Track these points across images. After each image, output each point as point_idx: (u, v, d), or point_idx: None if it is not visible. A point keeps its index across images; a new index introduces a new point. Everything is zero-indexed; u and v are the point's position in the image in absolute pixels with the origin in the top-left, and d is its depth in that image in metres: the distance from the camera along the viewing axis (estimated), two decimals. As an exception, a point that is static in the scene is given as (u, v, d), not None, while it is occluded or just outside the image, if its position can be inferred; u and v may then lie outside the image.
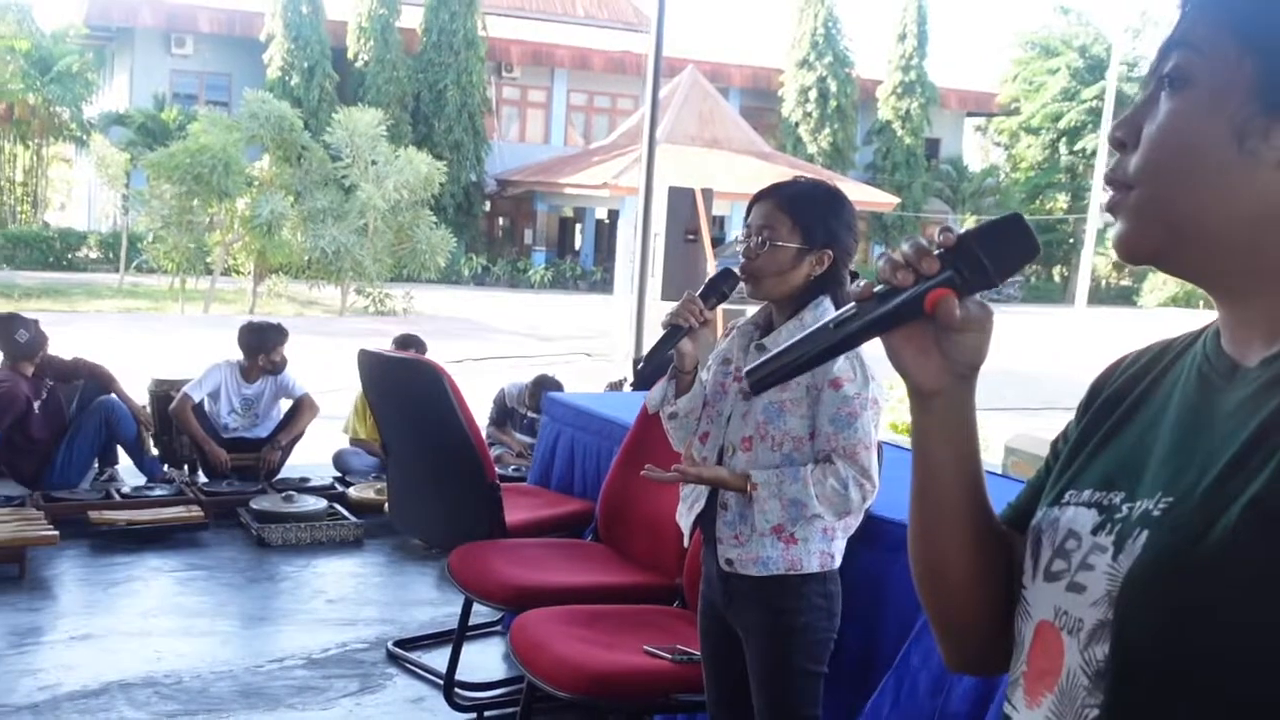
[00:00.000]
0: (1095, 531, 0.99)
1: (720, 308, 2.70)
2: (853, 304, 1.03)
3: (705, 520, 2.62)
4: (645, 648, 3.17)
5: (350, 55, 28.69)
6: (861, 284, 1.03)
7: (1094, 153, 33.06)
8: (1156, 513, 0.94)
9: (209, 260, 20.27)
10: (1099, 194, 29.90)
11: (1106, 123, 29.14)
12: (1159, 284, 36.59)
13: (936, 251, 1.00)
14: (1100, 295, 33.91)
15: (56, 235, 26.95)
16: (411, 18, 29.11)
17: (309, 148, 20.35)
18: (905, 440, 4.76)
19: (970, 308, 1.01)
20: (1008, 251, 1.01)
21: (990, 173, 38.19)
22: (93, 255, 26.75)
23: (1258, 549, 0.84)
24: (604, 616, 3.42)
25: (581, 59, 32.11)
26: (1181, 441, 0.97)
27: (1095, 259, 32.22)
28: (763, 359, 1.07)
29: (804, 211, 2.49)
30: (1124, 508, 0.98)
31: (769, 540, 2.47)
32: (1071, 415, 1.18)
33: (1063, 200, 37.90)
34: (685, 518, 2.69)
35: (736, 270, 2.56)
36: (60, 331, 6.73)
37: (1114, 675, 0.93)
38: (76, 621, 4.73)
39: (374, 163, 19.95)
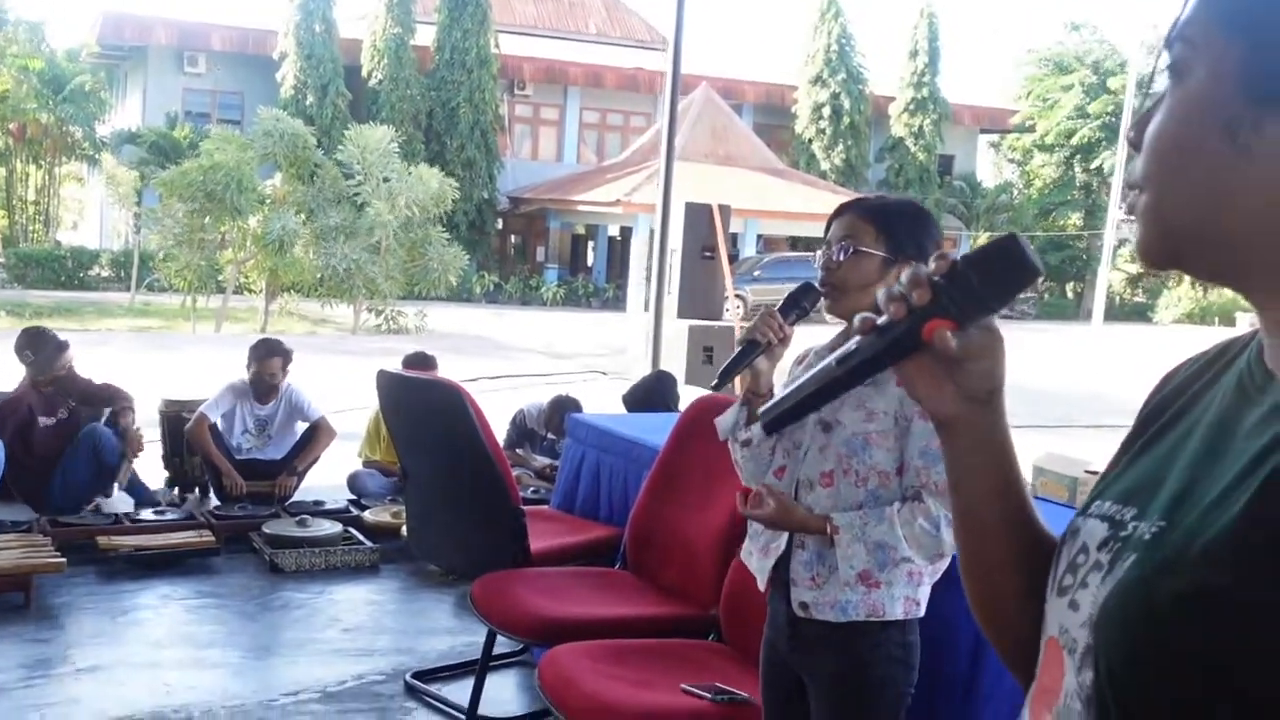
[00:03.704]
0: (1100, 547, 0.95)
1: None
2: (855, 339, 1.01)
3: (778, 563, 2.41)
4: (683, 686, 3.00)
5: (364, 73, 28.63)
6: (863, 318, 1.00)
7: (1109, 170, 32.88)
8: (1148, 537, 0.89)
9: (221, 279, 20.14)
10: (1115, 211, 29.79)
11: (1124, 140, 28.98)
12: (1174, 300, 36.36)
13: (935, 279, 0.96)
14: (1115, 312, 33.65)
15: (68, 254, 26.84)
16: (425, 36, 29.06)
17: (321, 165, 20.24)
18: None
19: (972, 335, 0.98)
20: (1003, 276, 0.96)
21: (1004, 189, 38.01)
22: (104, 274, 26.65)
23: (1222, 587, 0.79)
24: (637, 651, 3.25)
25: (594, 77, 32.03)
26: (1200, 460, 0.92)
27: (1110, 275, 32.09)
28: (774, 400, 1.06)
29: (889, 222, 2.33)
30: (1130, 526, 0.93)
31: (851, 585, 2.28)
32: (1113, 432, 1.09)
33: (1076, 217, 37.71)
34: (757, 560, 2.46)
35: (817, 285, 2.38)
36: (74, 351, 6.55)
37: (1096, 704, 0.88)
38: (84, 652, 4.56)
39: (386, 180, 19.81)
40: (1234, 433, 0.90)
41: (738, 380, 2.73)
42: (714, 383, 2.32)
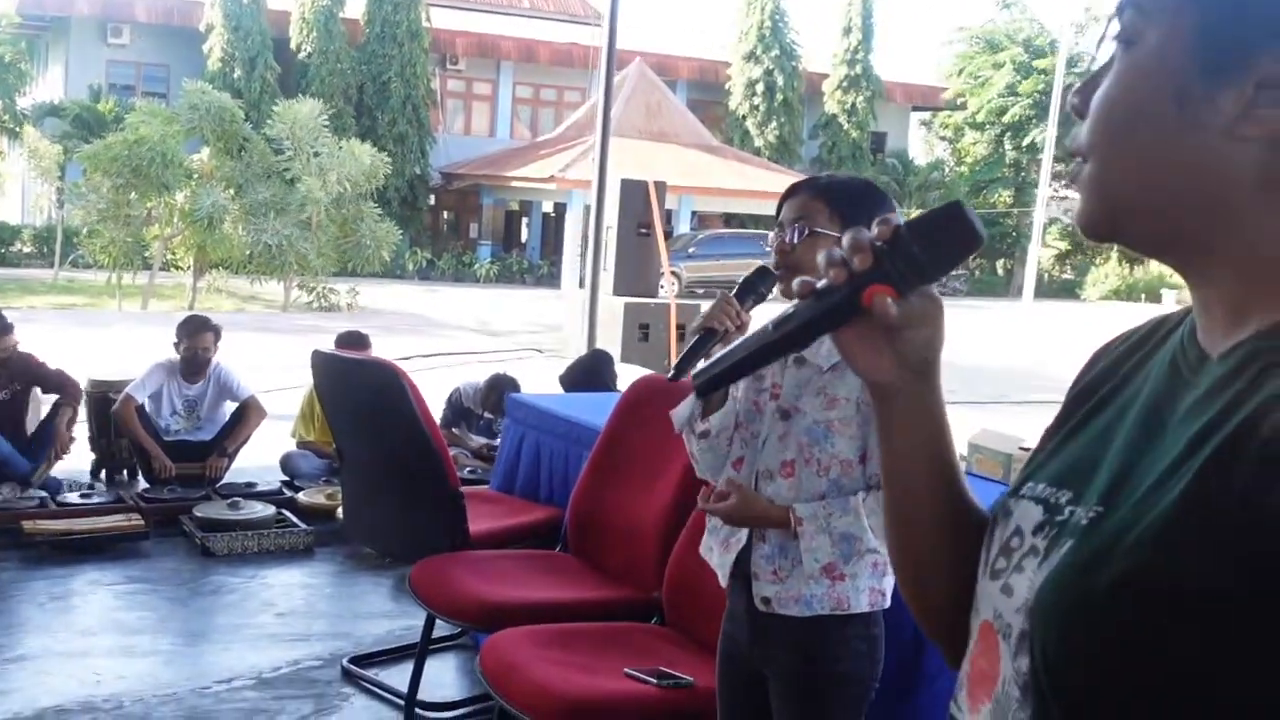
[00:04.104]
0: (1036, 531, 0.93)
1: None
2: (793, 302, 0.99)
3: (739, 553, 2.34)
4: (627, 670, 2.96)
5: (293, 46, 28.15)
6: (801, 281, 0.97)
7: (1039, 147, 33.21)
8: (1084, 522, 0.87)
9: (147, 255, 19.76)
10: (1045, 188, 30.13)
11: (1054, 119, 29.33)
12: (1101, 278, 36.85)
13: (877, 244, 0.94)
14: (1044, 289, 34.04)
15: (-11, 229, 26.23)
16: (354, 8, 28.64)
17: (250, 140, 19.88)
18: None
19: (913, 303, 0.96)
20: (946, 243, 0.94)
21: (935, 167, 38.24)
22: (27, 250, 26.06)
23: (1156, 573, 0.78)
24: (580, 635, 3.21)
25: (527, 51, 31.75)
26: (1135, 442, 0.90)
27: (1040, 252, 32.47)
28: (707, 363, 1.03)
29: (843, 200, 2.26)
30: (1066, 510, 0.91)
31: (815, 578, 2.22)
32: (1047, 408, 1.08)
33: (1007, 195, 38.05)
34: (718, 555, 2.38)
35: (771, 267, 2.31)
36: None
37: (1034, 691, 0.86)
38: (10, 641, 4.44)
39: (316, 155, 19.51)
40: (1169, 415, 0.88)
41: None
42: (670, 374, 2.24)
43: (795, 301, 0.99)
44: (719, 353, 1.02)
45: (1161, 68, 0.87)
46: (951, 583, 1.06)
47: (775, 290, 2.29)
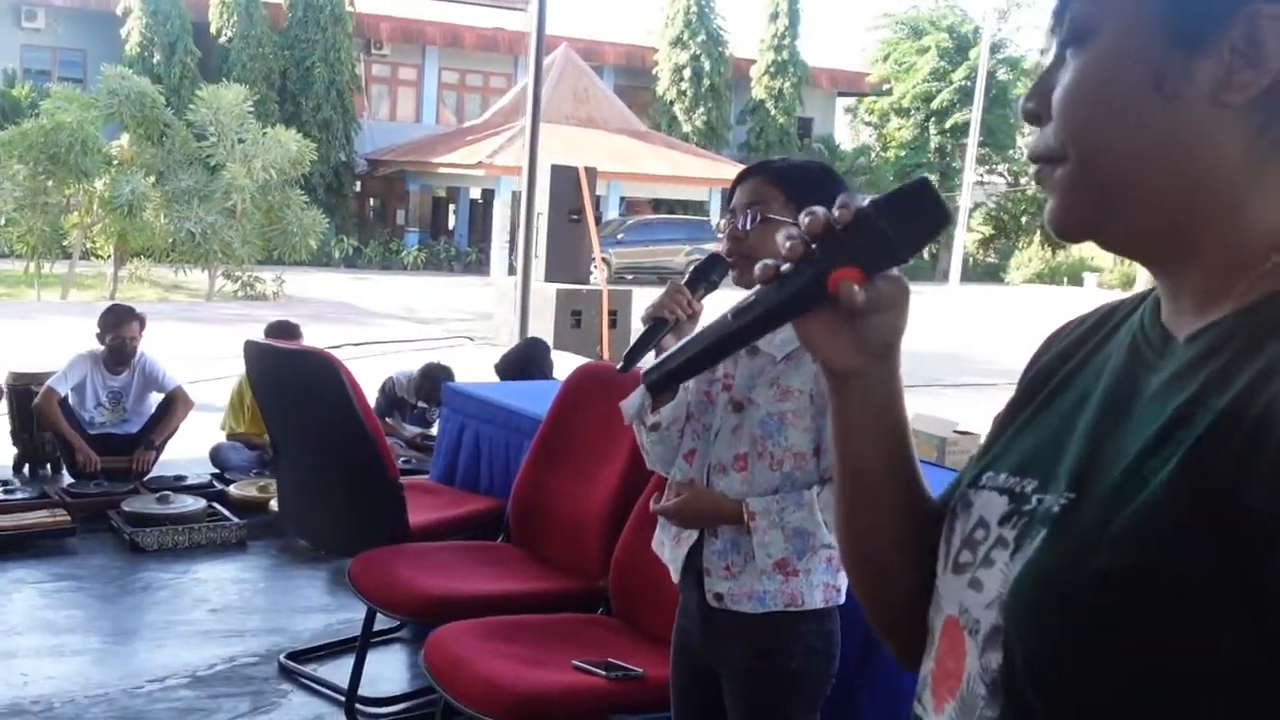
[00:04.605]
0: (1002, 522, 0.90)
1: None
2: (754, 289, 0.93)
3: (691, 548, 2.29)
4: (575, 663, 2.92)
5: (213, 30, 27.62)
6: (763, 265, 0.92)
7: (963, 130, 33.54)
8: (1056, 510, 0.85)
9: (66, 244, 19.33)
10: (970, 173, 30.44)
11: (978, 104, 29.61)
12: (1024, 261, 37.31)
13: (838, 226, 0.90)
14: (968, 273, 34.38)
15: (-100, 218, 25.51)
16: (276, -8, 28.23)
17: (171, 126, 19.51)
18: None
19: (880, 286, 0.91)
20: (915, 222, 0.90)
21: (862, 152, 38.49)
22: (-59, 239, 25.45)
23: (1148, 563, 0.75)
24: (526, 628, 3.17)
25: (453, 36, 31.44)
26: (1100, 426, 0.88)
27: (965, 236, 32.81)
28: (661, 358, 0.97)
29: (796, 184, 2.20)
30: (1034, 499, 0.88)
31: (768, 574, 2.18)
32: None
33: (932, 179, 38.44)
34: (669, 550, 2.34)
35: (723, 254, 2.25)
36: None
37: (1004, 689, 0.85)
38: (-69, 643, 4.30)
39: (241, 141, 19.17)
40: (1135, 396, 0.86)
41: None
42: (619, 365, 2.19)
43: (755, 289, 0.94)
44: (673, 346, 0.96)
45: (1132, 51, 0.85)
46: (908, 578, 1.03)
47: (729, 277, 2.25)
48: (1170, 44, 0.83)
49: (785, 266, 0.92)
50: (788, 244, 0.91)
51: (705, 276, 2.25)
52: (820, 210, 0.91)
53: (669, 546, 2.34)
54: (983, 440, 1.08)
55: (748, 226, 2.20)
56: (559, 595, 3.50)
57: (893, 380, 0.99)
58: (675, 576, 2.34)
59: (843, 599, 2.25)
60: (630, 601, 3.28)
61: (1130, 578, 0.76)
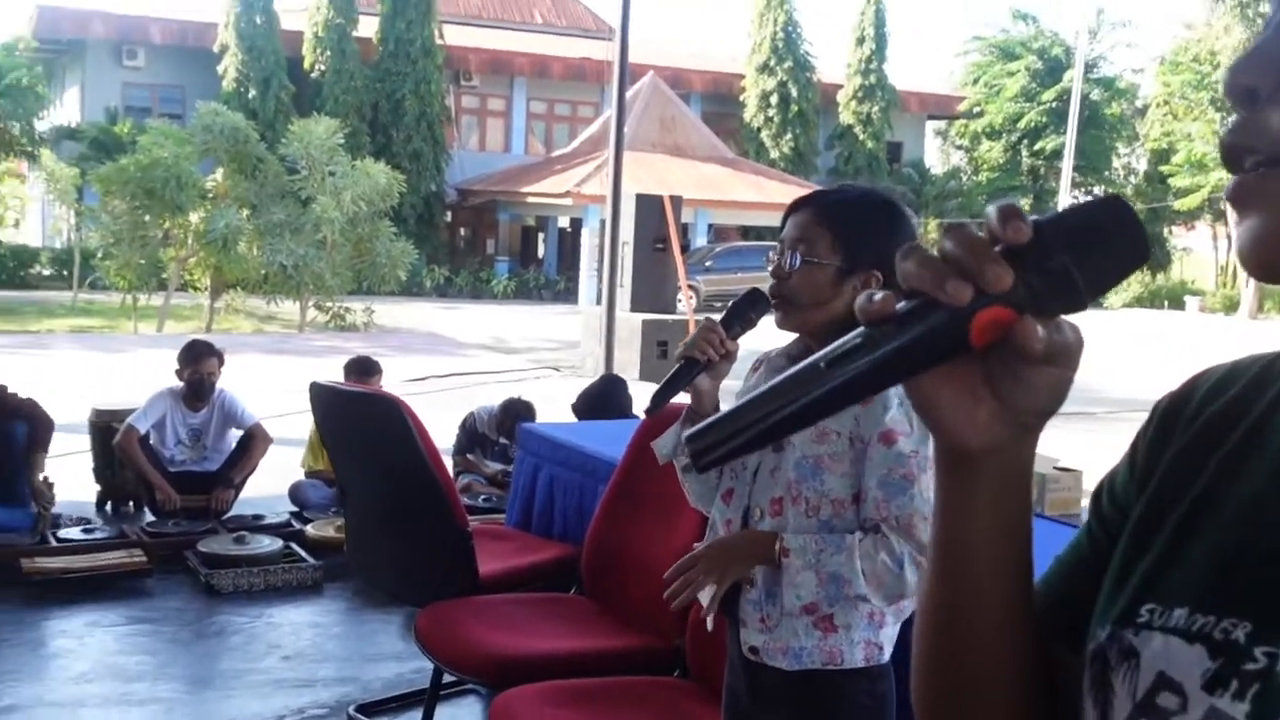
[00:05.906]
0: (1212, 687, 0.63)
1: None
2: (859, 330, 0.66)
3: (727, 597, 2.13)
4: (647, 733, 2.74)
5: (306, 66, 28.12)
6: (879, 296, 0.66)
7: (1055, 153, 32.93)
8: None
9: (164, 276, 19.67)
10: (1065, 195, 29.83)
11: (1073, 125, 29.03)
12: (1124, 285, 36.48)
13: (1000, 248, 0.64)
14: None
15: (9, 253, 26.19)
16: (367, 27, 28.60)
17: (264, 160, 19.80)
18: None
19: (1058, 331, 0.66)
20: (1105, 255, 0.64)
21: (952, 175, 38.03)
22: (46, 273, 26.09)
23: None
24: (596, 693, 2.99)
25: (540, 66, 31.66)
26: None
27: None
28: (710, 421, 0.68)
29: (847, 224, 2.03)
30: (1257, 653, 0.62)
31: (801, 625, 2.00)
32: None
33: (1025, 202, 37.71)
34: (705, 594, 2.17)
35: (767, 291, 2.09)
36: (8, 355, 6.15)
37: None
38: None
39: (331, 174, 19.40)
40: None
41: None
42: (648, 407, 2.03)
43: (858, 330, 0.67)
44: (731, 406, 0.69)
45: None
46: (1007, 714, 0.79)
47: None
48: None
49: (902, 304, 0.66)
50: (935, 279, 0.64)
51: (743, 314, 2.09)
52: (969, 230, 0.65)
53: (704, 591, 2.14)
54: (1085, 521, 0.83)
55: (790, 267, 2.03)
56: (633, 654, 3.32)
57: (1028, 461, 0.74)
58: (709, 625, 2.13)
59: (885, 658, 2.07)
60: (707, 662, 3.08)
61: None
